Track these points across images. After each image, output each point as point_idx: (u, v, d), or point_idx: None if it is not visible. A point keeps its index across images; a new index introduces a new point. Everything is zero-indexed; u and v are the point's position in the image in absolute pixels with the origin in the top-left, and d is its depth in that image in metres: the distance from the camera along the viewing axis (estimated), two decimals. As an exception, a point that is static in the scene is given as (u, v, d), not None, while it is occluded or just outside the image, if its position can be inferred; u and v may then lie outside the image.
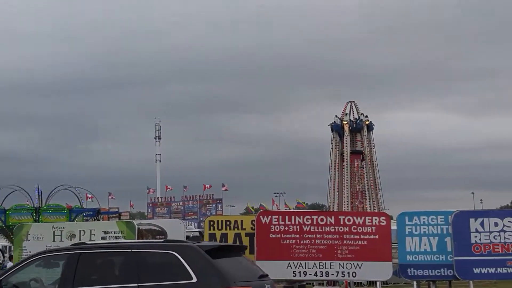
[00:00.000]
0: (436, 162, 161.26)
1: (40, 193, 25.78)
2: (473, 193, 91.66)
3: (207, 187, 77.60)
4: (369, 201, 45.65)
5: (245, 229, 15.46)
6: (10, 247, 30.62)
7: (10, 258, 23.14)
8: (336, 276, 14.63)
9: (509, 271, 13.93)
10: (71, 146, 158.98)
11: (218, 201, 76.44)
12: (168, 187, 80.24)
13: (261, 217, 15.06)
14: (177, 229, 15.85)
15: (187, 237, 26.27)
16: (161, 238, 15.41)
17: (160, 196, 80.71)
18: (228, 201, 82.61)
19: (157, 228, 15.60)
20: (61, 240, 15.44)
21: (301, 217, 14.98)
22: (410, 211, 15.10)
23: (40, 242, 15.58)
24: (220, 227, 15.55)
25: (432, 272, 14.36)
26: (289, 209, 63.49)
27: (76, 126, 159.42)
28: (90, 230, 15.57)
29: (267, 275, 9.52)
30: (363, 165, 47.09)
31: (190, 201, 76.98)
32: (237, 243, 15.27)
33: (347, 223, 14.70)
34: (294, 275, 14.57)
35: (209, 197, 77.06)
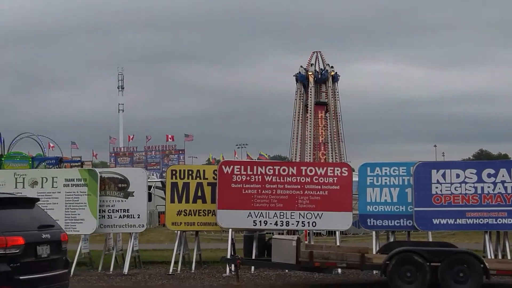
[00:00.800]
0: (400, 115, 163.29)
1: (2, 141, 24.99)
2: (435, 146, 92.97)
3: (170, 138, 77.16)
4: (332, 153, 45.99)
5: (207, 179, 15.35)
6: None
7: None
8: (296, 226, 14.69)
9: (468, 222, 14.14)
10: (31, 95, 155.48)
11: (180, 152, 76.15)
12: (131, 136, 79.41)
13: (223, 166, 14.94)
14: (139, 178, 15.68)
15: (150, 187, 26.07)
16: (124, 186, 15.21)
17: (123, 146, 79.97)
18: (190, 153, 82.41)
19: (119, 177, 15.39)
20: (23, 187, 15.12)
21: (263, 167, 14.92)
22: (372, 162, 15.15)
23: (2, 188, 15.15)
24: (182, 176, 15.41)
25: (391, 223, 14.49)
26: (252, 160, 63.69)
27: (36, 75, 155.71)
28: (53, 178, 15.27)
29: (52, 226, 9.52)
30: (327, 117, 47.23)
31: (153, 151, 76.50)
32: (199, 193, 15.24)
33: (309, 173, 14.69)
34: (254, 224, 14.58)
35: (171, 147, 76.68)
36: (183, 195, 15.31)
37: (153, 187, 31.39)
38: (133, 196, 15.25)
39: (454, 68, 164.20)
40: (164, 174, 52.37)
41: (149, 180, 20.23)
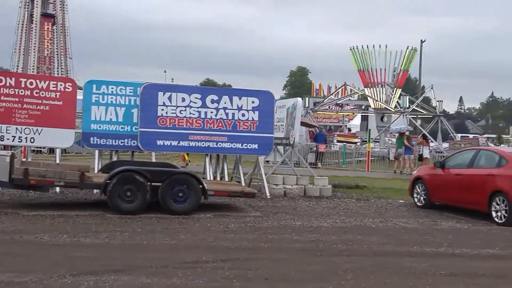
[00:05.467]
0: (134, 38, 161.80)
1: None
2: (165, 71, 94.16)
3: None
4: (58, 68, 43.91)
5: None
6: None
7: None
8: (12, 141, 13.53)
9: (191, 145, 14.55)
10: None
11: None
12: None
13: None
14: None
15: None
16: None
17: None
18: None
19: None
20: None
21: (-24, 75, 13.28)
22: (99, 79, 14.52)
23: None
24: None
25: (115, 142, 14.21)
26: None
27: None
28: None
29: None
30: (54, 30, 44.67)
31: None
32: None
33: (29, 86, 13.52)
34: (-38, 138, 13.03)
35: None
36: None
37: None
38: None
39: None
40: None
41: None
